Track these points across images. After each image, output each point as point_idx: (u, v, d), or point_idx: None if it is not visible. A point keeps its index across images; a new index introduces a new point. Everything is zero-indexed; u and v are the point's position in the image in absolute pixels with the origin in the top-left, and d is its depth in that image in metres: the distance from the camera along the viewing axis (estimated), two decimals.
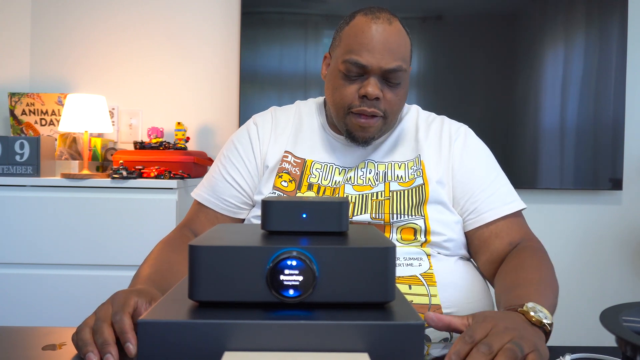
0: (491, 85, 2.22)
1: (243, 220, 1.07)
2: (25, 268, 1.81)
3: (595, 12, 2.20)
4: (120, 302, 0.62)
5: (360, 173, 0.99)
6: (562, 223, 2.30)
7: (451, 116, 1.11)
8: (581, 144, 2.21)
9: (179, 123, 2.12)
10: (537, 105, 2.21)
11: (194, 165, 2.01)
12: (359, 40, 0.93)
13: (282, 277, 0.49)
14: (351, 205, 0.94)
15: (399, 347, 0.47)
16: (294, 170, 1.00)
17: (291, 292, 0.49)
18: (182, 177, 1.92)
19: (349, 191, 0.97)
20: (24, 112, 2.22)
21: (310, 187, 0.98)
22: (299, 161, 1.01)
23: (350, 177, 0.99)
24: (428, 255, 0.92)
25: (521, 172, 2.21)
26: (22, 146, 1.88)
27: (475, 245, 0.98)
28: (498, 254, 0.95)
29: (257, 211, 1.02)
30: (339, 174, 1.00)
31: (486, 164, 1.03)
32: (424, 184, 0.96)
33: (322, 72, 1.05)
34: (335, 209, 0.57)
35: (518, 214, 1.00)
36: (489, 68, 2.22)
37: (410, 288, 0.87)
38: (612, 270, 2.31)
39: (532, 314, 0.63)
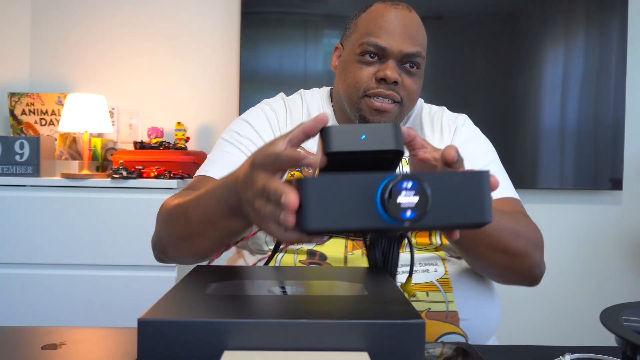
0: (491, 85, 2.22)
1: None
2: (25, 268, 1.81)
3: (595, 12, 2.20)
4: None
5: None
6: (562, 223, 2.30)
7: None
8: (581, 144, 2.21)
9: (179, 123, 2.12)
10: (537, 105, 2.21)
11: (194, 165, 2.01)
12: (378, 24, 0.91)
13: (399, 200, 0.50)
14: None
15: (399, 347, 0.47)
16: (306, 168, 0.97)
17: (408, 213, 0.50)
18: (182, 177, 1.92)
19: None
20: (24, 112, 2.22)
21: None
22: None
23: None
24: (443, 259, 0.90)
25: (521, 172, 2.21)
26: (22, 146, 1.88)
27: None
28: None
29: None
30: None
31: (480, 150, 1.01)
32: None
33: (332, 63, 1.02)
34: (390, 128, 0.58)
35: (510, 200, 0.95)
36: (489, 68, 2.22)
37: (427, 295, 0.86)
38: (612, 270, 2.31)
39: None
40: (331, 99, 1.07)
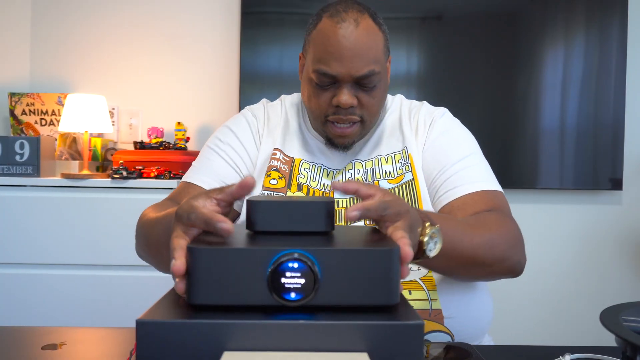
0: (491, 85, 2.22)
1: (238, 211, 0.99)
2: (25, 268, 1.81)
3: (595, 12, 2.20)
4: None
5: (348, 175, 0.97)
6: (562, 223, 2.30)
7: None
8: (581, 144, 2.21)
9: (179, 123, 2.12)
10: (537, 105, 2.21)
11: None
12: (326, 49, 0.89)
13: (283, 280, 0.48)
14: (343, 211, 0.91)
15: (399, 347, 0.46)
16: (284, 168, 0.98)
17: (293, 295, 0.48)
18: (182, 177, 1.91)
19: (339, 196, 0.94)
20: (24, 112, 2.22)
21: (299, 187, 0.96)
22: (288, 159, 0.99)
23: (339, 180, 0.96)
24: None
25: (521, 172, 2.21)
26: (22, 146, 1.88)
27: None
28: None
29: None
30: (327, 176, 0.98)
31: (456, 142, 0.98)
32: (413, 179, 0.94)
33: (300, 76, 1.00)
34: (322, 208, 0.56)
35: (487, 194, 0.91)
36: (489, 68, 2.22)
37: (410, 293, 0.85)
38: (612, 270, 2.31)
39: (428, 230, 0.63)
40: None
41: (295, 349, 0.46)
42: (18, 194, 1.81)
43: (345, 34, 0.88)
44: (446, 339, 0.84)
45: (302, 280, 0.48)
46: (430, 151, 0.97)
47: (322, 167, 0.99)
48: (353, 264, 0.49)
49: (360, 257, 0.49)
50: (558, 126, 2.21)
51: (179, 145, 2.07)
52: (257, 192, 0.96)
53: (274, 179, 0.96)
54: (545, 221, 2.30)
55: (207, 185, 0.97)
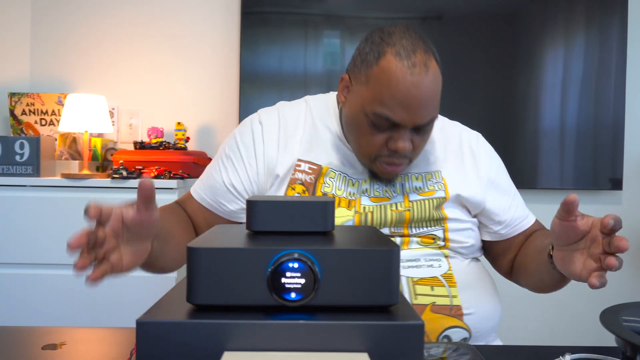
0: (491, 85, 2.22)
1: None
2: (25, 268, 1.81)
3: (595, 12, 2.20)
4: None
5: (376, 185, 0.95)
6: None
7: (451, 116, 1.11)
8: (581, 144, 2.21)
9: (179, 123, 2.12)
10: (537, 105, 2.21)
11: (194, 165, 2.00)
12: (392, 94, 0.83)
13: (283, 280, 0.48)
14: (369, 216, 0.90)
15: (399, 347, 0.46)
16: (309, 179, 0.94)
17: (293, 295, 0.48)
18: (182, 177, 1.92)
19: (366, 203, 0.92)
20: (24, 112, 2.22)
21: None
22: (315, 167, 0.95)
23: (366, 189, 0.94)
24: (446, 256, 0.91)
25: (521, 172, 2.21)
26: (22, 146, 1.88)
27: (501, 247, 1.02)
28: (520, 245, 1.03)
29: None
30: (353, 184, 0.95)
31: (506, 175, 1.05)
32: (445, 197, 0.94)
33: (340, 96, 0.94)
34: (322, 208, 0.56)
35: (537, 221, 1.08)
36: (489, 68, 2.22)
37: (432, 289, 0.86)
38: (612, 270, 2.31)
39: None
40: (341, 112, 1.01)
41: (295, 349, 0.46)
42: (18, 194, 1.81)
43: (416, 83, 0.83)
44: (464, 335, 0.86)
45: (302, 280, 0.48)
46: (491, 186, 1.00)
47: (348, 177, 0.95)
48: (353, 264, 0.49)
49: (360, 257, 0.49)
50: (558, 126, 2.21)
51: (179, 145, 2.07)
52: None
53: (297, 192, 0.93)
54: (545, 221, 2.28)
55: (211, 207, 1.01)
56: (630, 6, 2.23)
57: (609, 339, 0.65)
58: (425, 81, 0.84)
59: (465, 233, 0.94)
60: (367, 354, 0.46)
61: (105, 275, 0.63)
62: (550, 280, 0.85)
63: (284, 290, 0.48)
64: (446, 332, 0.84)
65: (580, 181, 2.22)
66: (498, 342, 0.95)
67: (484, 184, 0.98)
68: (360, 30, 2.18)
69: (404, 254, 0.89)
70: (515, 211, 1.02)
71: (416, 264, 0.88)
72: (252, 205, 0.56)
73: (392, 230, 0.91)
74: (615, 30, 2.20)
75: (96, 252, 0.63)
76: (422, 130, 0.88)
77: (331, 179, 0.94)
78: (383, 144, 0.88)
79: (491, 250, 1.04)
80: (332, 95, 1.04)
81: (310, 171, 0.94)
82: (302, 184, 0.94)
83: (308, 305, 0.49)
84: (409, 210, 0.91)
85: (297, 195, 0.93)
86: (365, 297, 0.49)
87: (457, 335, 0.85)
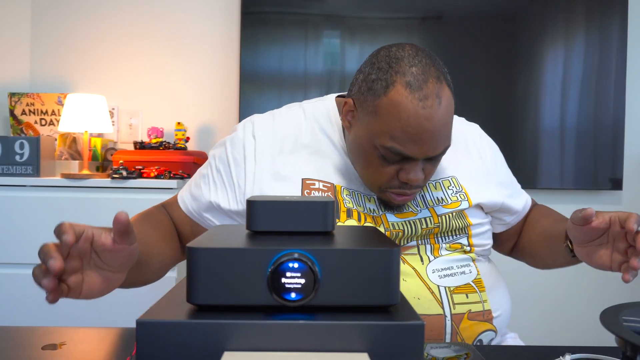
0: (491, 85, 2.22)
1: None
2: (26, 268, 1.81)
3: (595, 12, 2.20)
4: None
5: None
6: None
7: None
8: (581, 144, 2.21)
9: (179, 123, 2.12)
10: (537, 105, 2.21)
11: (194, 165, 2.00)
12: (403, 128, 0.77)
13: (283, 280, 0.48)
14: (400, 234, 0.86)
15: (399, 348, 0.46)
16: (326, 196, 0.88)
17: (293, 295, 0.48)
18: (182, 177, 1.92)
19: (392, 219, 0.87)
20: (24, 112, 2.22)
21: (349, 213, 0.86)
22: (329, 186, 0.88)
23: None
24: (473, 260, 0.91)
25: (521, 172, 2.21)
26: (22, 146, 1.88)
27: (506, 234, 1.04)
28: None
29: None
30: (369, 200, 0.90)
31: (505, 164, 1.05)
32: (469, 206, 0.92)
33: (344, 121, 0.87)
34: (322, 208, 0.56)
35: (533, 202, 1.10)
36: (489, 68, 2.22)
37: (467, 297, 0.85)
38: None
39: None
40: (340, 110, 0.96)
41: (296, 349, 0.46)
42: (18, 194, 1.81)
43: (428, 116, 0.77)
44: (492, 335, 0.87)
45: (302, 280, 0.48)
46: (497, 180, 0.99)
47: (362, 194, 0.90)
48: (353, 264, 0.49)
49: (360, 257, 0.49)
50: (558, 126, 2.21)
51: (179, 145, 2.07)
52: None
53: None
54: None
55: (189, 214, 0.95)
56: (630, 6, 2.23)
57: (609, 339, 0.65)
58: (439, 113, 0.78)
59: (485, 235, 0.94)
60: (367, 354, 0.46)
61: (60, 297, 0.58)
62: (567, 263, 0.89)
63: (284, 290, 0.48)
64: (480, 337, 0.86)
65: (580, 181, 2.22)
66: (511, 335, 0.97)
67: (496, 184, 0.97)
68: (360, 30, 2.18)
69: (437, 262, 0.87)
70: (520, 198, 1.02)
71: (450, 272, 0.87)
72: (252, 205, 0.56)
73: (419, 242, 0.88)
74: (615, 30, 2.20)
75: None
76: (434, 159, 0.84)
77: (348, 196, 0.88)
78: (393, 175, 0.83)
79: (496, 238, 1.05)
80: (331, 101, 0.97)
81: (325, 189, 0.88)
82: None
83: (308, 305, 0.49)
84: (438, 226, 0.88)
85: (350, 221, 0.87)
86: (366, 297, 0.49)
87: (487, 337, 0.86)
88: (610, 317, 0.69)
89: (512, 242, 1.06)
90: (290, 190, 0.87)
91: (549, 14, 2.20)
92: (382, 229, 0.87)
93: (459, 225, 0.90)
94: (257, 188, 0.88)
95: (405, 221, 0.88)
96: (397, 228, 0.86)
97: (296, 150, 0.91)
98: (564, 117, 2.21)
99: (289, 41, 2.20)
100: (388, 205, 0.88)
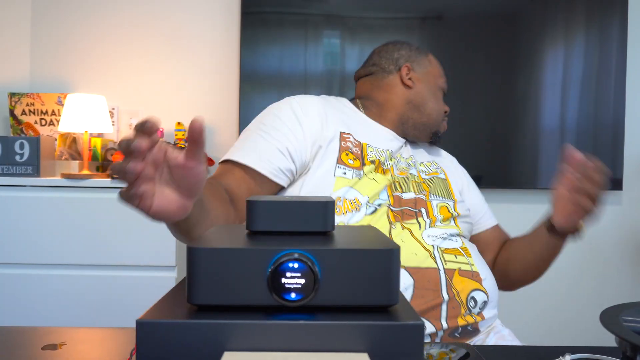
0: (491, 85, 2.22)
1: (280, 188, 1.02)
2: (25, 268, 1.81)
3: (595, 12, 2.20)
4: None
5: (402, 163, 1.12)
6: None
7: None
8: (581, 144, 2.21)
9: (179, 123, 2.12)
10: (537, 105, 2.21)
11: None
12: (442, 73, 1.21)
13: (283, 280, 0.48)
14: (397, 185, 1.05)
15: (399, 348, 0.46)
16: (356, 150, 1.04)
17: (293, 295, 0.48)
18: None
19: (395, 173, 1.08)
20: (24, 112, 2.22)
21: (373, 162, 1.05)
22: (358, 143, 1.06)
23: (395, 162, 1.10)
24: (459, 234, 1.06)
25: (521, 172, 2.21)
26: (22, 146, 1.88)
27: (483, 243, 1.21)
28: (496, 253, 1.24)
29: (295, 189, 1.00)
30: (390, 158, 1.11)
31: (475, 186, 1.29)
32: (445, 179, 1.14)
33: (408, 82, 1.16)
34: (322, 208, 0.56)
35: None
36: (489, 68, 2.22)
37: (456, 257, 0.98)
38: (612, 270, 2.31)
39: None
40: (359, 108, 1.19)
41: (295, 349, 0.46)
42: (18, 194, 1.81)
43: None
44: (484, 298, 0.96)
45: (302, 281, 0.48)
46: (469, 187, 1.24)
47: (383, 150, 1.10)
48: (353, 264, 0.49)
49: (361, 257, 0.49)
50: (558, 126, 2.21)
51: (179, 145, 2.07)
52: (325, 168, 0.99)
53: (350, 159, 1.03)
54: None
55: (260, 168, 0.98)
56: (630, 6, 2.23)
57: (609, 339, 0.65)
58: None
59: (466, 207, 1.14)
60: (367, 354, 0.46)
61: (136, 200, 0.58)
62: (546, 249, 1.07)
63: (284, 290, 0.48)
64: (472, 294, 0.95)
65: None
66: (507, 330, 1.03)
67: (475, 189, 1.26)
68: (360, 30, 2.18)
69: (431, 230, 1.02)
70: (483, 207, 1.23)
71: (442, 238, 1.01)
72: (252, 205, 0.56)
73: (416, 194, 1.06)
74: (615, 30, 2.20)
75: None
76: None
77: (372, 152, 1.07)
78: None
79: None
80: (341, 99, 1.20)
81: (355, 144, 1.05)
82: (352, 152, 1.04)
83: (308, 305, 0.49)
84: (424, 182, 1.10)
85: (349, 162, 1.04)
86: (366, 297, 0.49)
87: (480, 297, 0.96)
88: (610, 317, 0.69)
89: (489, 256, 1.21)
90: (331, 137, 1.03)
91: (549, 14, 2.20)
92: (389, 177, 1.04)
93: (443, 187, 1.11)
94: (311, 137, 1.02)
95: (401, 177, 1.08)
96: (395, 180, 1.07)
97: (335, 113, 1.09)
98: (564, 117, 2.21)
99: (289, 41, 2.20)
100: (436, 136, 1.19)
